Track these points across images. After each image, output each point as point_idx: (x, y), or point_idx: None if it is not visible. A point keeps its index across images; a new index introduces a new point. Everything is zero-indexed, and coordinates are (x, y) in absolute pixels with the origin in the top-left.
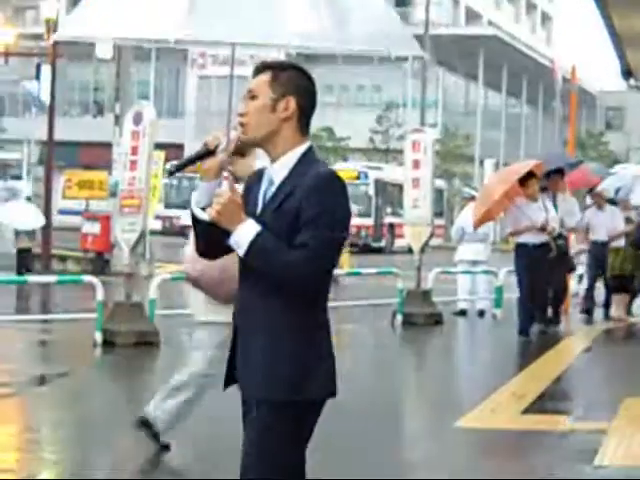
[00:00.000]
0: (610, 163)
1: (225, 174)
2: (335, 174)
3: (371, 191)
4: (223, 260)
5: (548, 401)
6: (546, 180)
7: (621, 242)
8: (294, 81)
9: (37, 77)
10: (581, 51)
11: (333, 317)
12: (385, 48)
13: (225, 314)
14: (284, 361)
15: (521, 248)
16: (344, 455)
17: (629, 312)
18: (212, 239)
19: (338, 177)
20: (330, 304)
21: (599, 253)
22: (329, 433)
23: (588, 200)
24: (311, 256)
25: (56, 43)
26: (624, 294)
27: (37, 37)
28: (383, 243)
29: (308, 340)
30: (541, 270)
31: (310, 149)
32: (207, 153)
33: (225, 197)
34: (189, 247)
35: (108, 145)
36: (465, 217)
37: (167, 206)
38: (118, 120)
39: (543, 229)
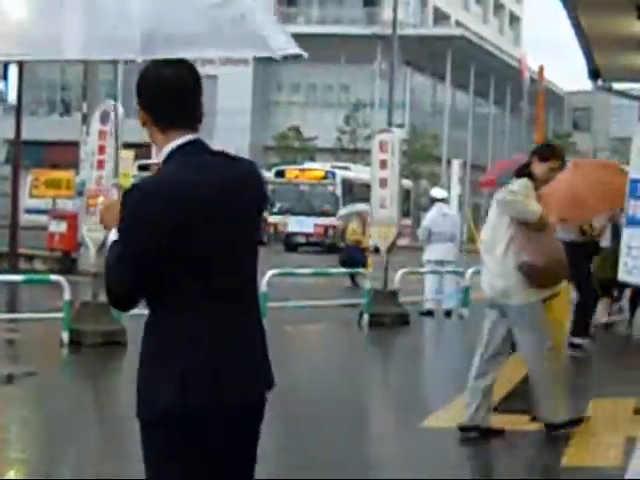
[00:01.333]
0: None
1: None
2: (134, 186)
3: (338, 191)
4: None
5: (515, 401)
6: None
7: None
8: (136, 88)
9: (4, 76)
10: (549, 52)
11: (301, 317)
12: (259, 49)
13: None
14: (139, 380)
15: None
16: (310, 455)
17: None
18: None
19: (133, 189)
20: (296, 304)
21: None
22: (296, 433)
23: None
24: (109, 267)
25: None
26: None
27: None
28: None
29: (155, 361)
30: None
31: (181, 147)
32: None
33: (107, 201)
34: None
35: (75, 144)
36: (432, 217)
37: None
38: (85, 119)
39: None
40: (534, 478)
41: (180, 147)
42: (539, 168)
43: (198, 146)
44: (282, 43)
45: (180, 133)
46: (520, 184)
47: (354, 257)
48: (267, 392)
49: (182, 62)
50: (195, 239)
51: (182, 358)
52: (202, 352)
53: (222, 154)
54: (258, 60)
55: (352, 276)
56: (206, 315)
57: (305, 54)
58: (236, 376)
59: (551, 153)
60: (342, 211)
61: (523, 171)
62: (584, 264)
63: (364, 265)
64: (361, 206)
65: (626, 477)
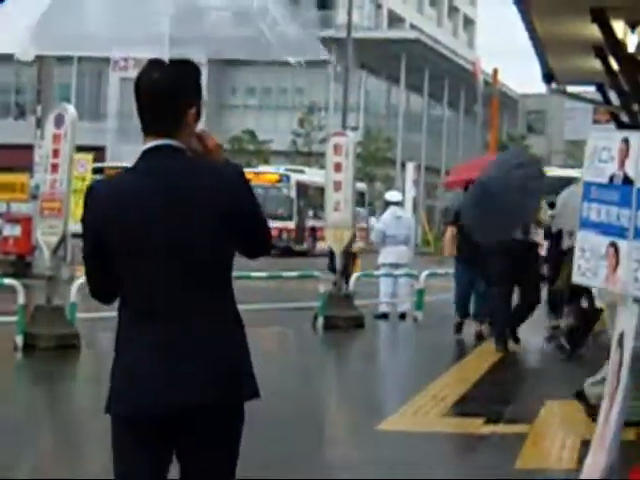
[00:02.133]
0: None
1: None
2: (89, 186)
3: (293, 194)
4: None
5: (469, 404)
6: None
7: None
8: None
9: None
10: (503, 55)
11: (256, 320)
12: (293, 53)
13: None
14: None
15: None
16: (264, 459)
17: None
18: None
19: (88, 189)
20: (250, 307)
21: None
22: (249, 437)
23: None
24: None
25: None
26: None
27: None
28: (305, 246)
29: (115, 356)
30: None
31: (146, 151)
32: None
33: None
34: None
35: (30, 147)
36: (385, 220)
37: None
38: (40, 122)
39: None
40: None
41: (145, 152)
42: None
43: (164, 152)
44: (313, 48)
45: (151, 139)
46: None
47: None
48: (221, 402)
49: (166, 64)
50: (120, 243)
51: (116, 360)
52: (128, 356)
53: (190, 160)
54: (212, 63)
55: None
56: (136, 320)
57: (328, 57)
58: (158, 382)
59: None
60: None
61: None
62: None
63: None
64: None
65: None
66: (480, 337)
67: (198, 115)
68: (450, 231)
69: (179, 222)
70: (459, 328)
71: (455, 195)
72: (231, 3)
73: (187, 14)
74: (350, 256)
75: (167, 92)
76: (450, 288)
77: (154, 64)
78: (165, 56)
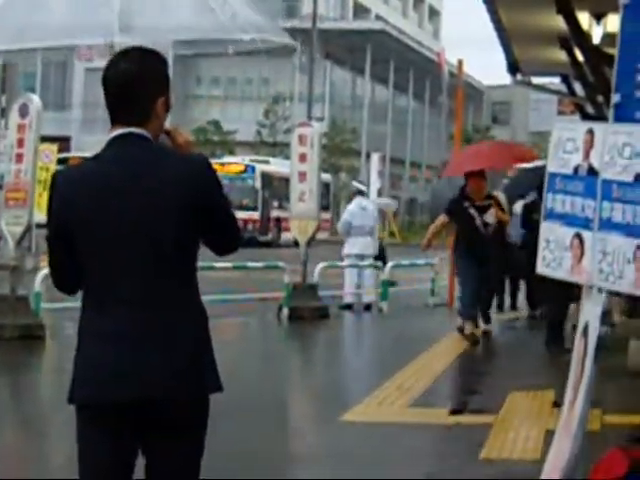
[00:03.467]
0: None
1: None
2: (55, 172)
3: (258, 185)
4: None
5: (434, 395)
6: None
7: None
8: None
9: None
10: (469, 46)
11: (220, 311)
12: (248, 32)
13: None
14: None
15: None
16: (228, 450)
17: (514, 307)
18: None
19: (54, 175)
20: (214, 297)
21: None
22: (212, 428)
23: None
24: None
25: None
26: None
27: None
28: (269, 237)
29: (78, 346)
30: None
31: (113, 139)
32: None
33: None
34: None
35: None
36: (351, 211)
37: None
38: (4, 112)
39: None
40: (453, 471)
41: (111, 140)
42: None
43: (130, 140)
44: (272, 30)
45: (117, 127)
46: None
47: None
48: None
49: (134, 55)
50: (82, 230)
51: (78, 349)
52: (91, 345)
53: (157, 149)
54: (177, 53)
55: None
56: (98, 309)
57: (294, 44)
58: (120, 371)
59: None
60: None
61: None
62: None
63: (384, 263)
64: (384, 201)
65: (542, 477)
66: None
67: (167, 106)
68: (441, 221)
69: (143, 211)
70: (473, 335)
71: (445, 183)
72: None
73: (137, 1)
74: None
75: (135, 82)
76: (416, 279)
77: (122, 54)
78: (115, 43)
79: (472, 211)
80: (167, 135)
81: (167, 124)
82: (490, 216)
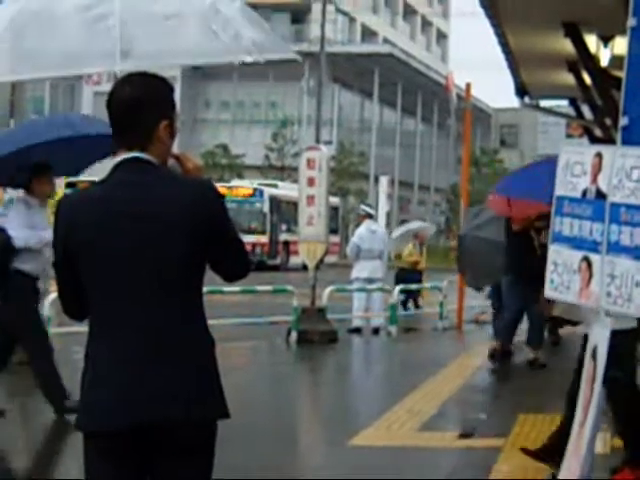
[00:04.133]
0: None
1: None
2: (62, 196)
3: (266, 208)
4: None
5: (444, 418)
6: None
7: None
8: None
9: None
10: (476, 69)
11: (229, 335)
12: (251, 53)
13: None
14: None
15: None
16: (236, 474)
17: None
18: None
19: (60, 198)
20: (223, 321)
21: None
22: (221, 451)
23: None
24: None
25: None
26: None
27: None
28: (278, 260)
29: (84, 371)
30: None
31: (117, 164)
32: None
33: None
34: None
35: None
36: (360, 234)
37: None
38: None
39: None
40: None
41: (115, 165)
42: None
43: (134, 165)
44: (277, 47)
45: (123, 152)
46: None
47: (410, 279)
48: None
49: (138, 79)
50: (86, 255)
51: (84, 375)
52: (96, 371)
53: (161, 173)
54: (185, 77)
55: (404, 301)
56: (103, 334)
57: (299, 58)
58: (125, 397)
59: None
60: (397, 232)
61: None
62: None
63: (418, 292)
64: (416, 224)
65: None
66: (534, 363)
67: (172, 130)
68: None
69: (147, 235)
70: (505, 354)
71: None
72: (180, 9)
73: (138, 27)
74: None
75: (137, 105)
76: (423, 302)
77: (126, 78)
78: (117, 69)
79: (531, 232)
80: (176, 160)
81: (175, 148)
82: (544, 238)
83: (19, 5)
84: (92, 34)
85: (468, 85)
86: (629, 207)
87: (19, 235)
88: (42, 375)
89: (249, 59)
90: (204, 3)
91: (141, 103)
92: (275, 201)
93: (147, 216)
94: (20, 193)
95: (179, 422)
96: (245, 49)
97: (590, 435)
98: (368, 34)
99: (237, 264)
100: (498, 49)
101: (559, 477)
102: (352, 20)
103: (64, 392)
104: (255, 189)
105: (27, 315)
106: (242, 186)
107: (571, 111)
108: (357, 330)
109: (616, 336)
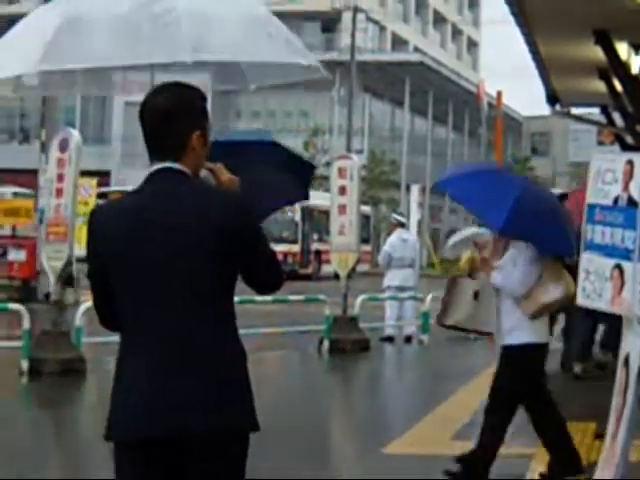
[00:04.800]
0: None
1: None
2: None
3: (298, 217)
4: None
5: (477, 427)
6: None
7: None
8: None
9: None
10: (507, 77)
11: (261, 344)
12: (303, 56)
13: None
14: None
15: None
16: None
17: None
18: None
19: (93, 209)
20: (255, 331)
21: None
22: (254, 460)
23: None
24: None
25: None
26: None
27: None
28: (310, 270)
29: (114, 381)
30: None
31: (150, 175)
32: None
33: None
34: None
35: (35, 172)
36: (392, 243)
37: None
38: (44, 147)
39: None
40: None
41: (149, 176)
42: None
43: (166, 175)
44: (310, 58)
45: (156, 162)
46: None
47: None
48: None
49: (170, 89)
50: (117, 265)
51: (115, 385)
52: (126, 381)
53: (193, 184)
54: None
55: None
56: (134, 344)
57: (326, 74)
58: (155, 408)
59: None
60: (452, 240)
61: None
62: None
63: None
64: (469, 230)
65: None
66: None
67: (205, 140)
68: None
69: (178, 246)
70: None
71: None
72: (238, 12)
73: (202, 25)
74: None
75: (169, 115)
76: None
77: (159, 89)
78: (189, 60)
79: None
80: (210, 172)
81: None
82: None
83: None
84: (159, 28)
85: (499, 93)
86: None
87: None
88: None
89: (304, 62)
90: (259, 10)
91: (174, 113)
92: (307, 210)
93: (179, 227)
94: None
95: (198, 433)
96: (300, 53)
97: (623, 444)
98: (398, 43)
99: (269, 277)
100: (529, 57)
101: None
102: (382, 29)
103: None
104: None
105: None
106: None
107: (602, 118)
108: (389, 339)
109: None
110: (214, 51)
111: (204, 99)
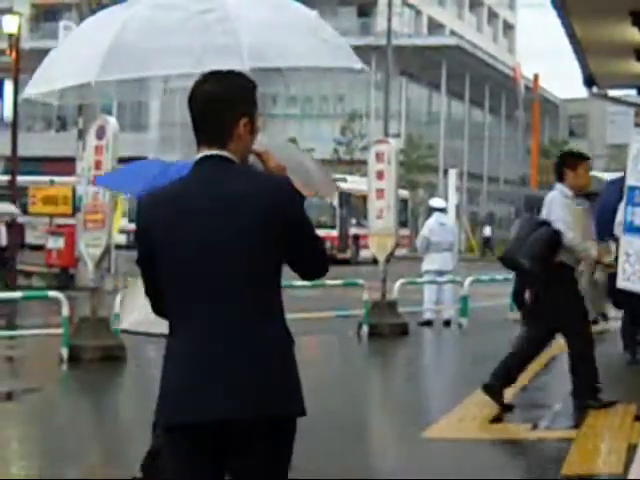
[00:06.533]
0: None
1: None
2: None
3: (335, 202)
4: None
5: (516, 410)
6: None
7: None
8: None
9: None
10: (544, 59)
11: (300, 329)
12: (331, 61)
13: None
14: None
15: None
16: (312, 467)
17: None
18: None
19: (141, 195)
20: (296, 316)
21: None
22: (296, 446)
23: None
24: None
25: (18, 58)
26: None
27: None
28: (348, 254)
29: (163, 368)
30: None
31: (197, 161)
32: None
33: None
34: None
35: (72, 160)
36: (430, 227)
37: (132, 220)
38: (81, 134)
39: None
40: None
41: (196, 162)
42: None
43: (213, 162)
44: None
45: (203, 149)
46: None
47: None
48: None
49: (219, 76)
50: (164, 251)
51: (163, 371)
52: (170, 367)
53: (239, 170)
54: (252, 73)
55: None
56: (180, 330)
57: (367, 69)
58: (201, 394)
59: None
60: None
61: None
62: None
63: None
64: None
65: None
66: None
67: (252, 127)
68: None
69: (223, 232)
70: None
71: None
72: (290, 18)
73: (256, 31)
74: None
75: (217, 102)
76: (494, 294)
77: (207, 76)
78: (246, 68)
79: None
80: (258, 158)
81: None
82: None
83: (132, 10)
84: (212, 35)
85: (536, 76)
86: None
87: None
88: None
89: (358, 66)
90: (311, 14)
91: (221, 100)
92: (344, 195)
93: (224, 212)
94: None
95: (247, 418)
96: (352, 57)
97: None
98: (435, 26)
99: (315, 263)
100: (565, 39)
101: (629, 477)
102: (418, 13)
103: None
104: None
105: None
106: None
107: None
108: (428, 323)
109: None
110: (271, 58)
111: (254, 86)
